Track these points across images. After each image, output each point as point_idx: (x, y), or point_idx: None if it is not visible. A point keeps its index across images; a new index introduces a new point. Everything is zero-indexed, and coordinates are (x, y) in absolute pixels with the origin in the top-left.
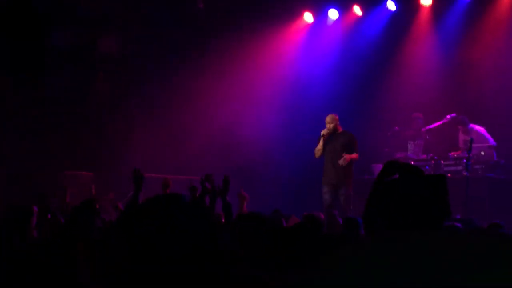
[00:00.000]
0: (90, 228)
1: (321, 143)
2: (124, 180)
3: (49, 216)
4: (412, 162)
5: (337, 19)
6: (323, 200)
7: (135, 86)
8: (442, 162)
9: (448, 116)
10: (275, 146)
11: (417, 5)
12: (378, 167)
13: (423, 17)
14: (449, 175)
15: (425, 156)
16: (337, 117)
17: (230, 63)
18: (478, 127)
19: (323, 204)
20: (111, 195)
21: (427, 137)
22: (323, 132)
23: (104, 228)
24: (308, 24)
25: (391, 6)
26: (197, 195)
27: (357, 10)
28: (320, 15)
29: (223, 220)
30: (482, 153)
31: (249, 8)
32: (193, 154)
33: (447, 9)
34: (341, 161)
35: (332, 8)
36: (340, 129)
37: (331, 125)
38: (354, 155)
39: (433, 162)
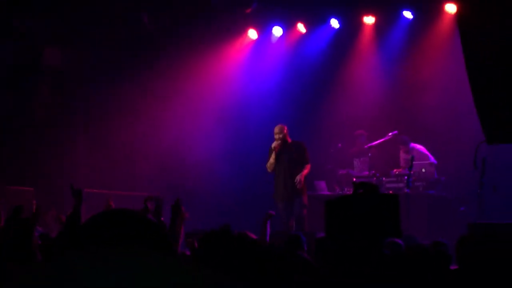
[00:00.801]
0: (27, 241)
1: (273, 157)
2: (67, 195)
3: None
4: (354, 179)
5: (281, 36)
6: (280, 217)
7: (79, 101)
8: (384, 179)
9: (390, 134)
10: (220, 163)
11: (360, 23)
12: (320, 184)
13: (366, 35)
14: (390, 191)
15: (367, 172)
16: (285, 127)
17: (175, 80)
18: (418, 146)
19: (281, 221)
20: (53, 211)
21: (369, 154)
22: (274, 145)
23: (46, 243)
24: (252, 41)
25: (335, 24)
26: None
27: (301, 27)
28: (264, 32)
29: None
30: (423, 170)
31: (193, 25)
32: (138, 171)
33: (389, 27)
34: (297, 183)
35: (276, 25)
36: (290, 140)
37: (280, 136)
38: (306, 171)
39: (375, 178)
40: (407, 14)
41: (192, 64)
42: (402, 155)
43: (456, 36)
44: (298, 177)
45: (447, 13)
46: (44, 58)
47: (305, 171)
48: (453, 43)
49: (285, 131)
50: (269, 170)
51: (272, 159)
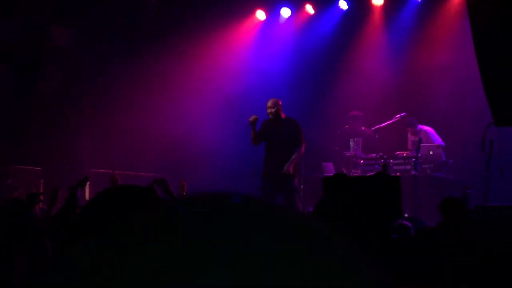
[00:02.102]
0: (24, 224)
1: (252, 132)
2: (74, 175)
3: None
4: (362, 161)
5: (289, 17)
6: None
7: (86, 81)
8: (391, 161)
9: (397, 116)
10: (226, 145)
11: (369, 5)
12: (328, 166)
13: (375, 17)
14: (398, 174)
15: (374, 154)
16: (280, 102)
17: (182, 61)
18: (426, 128)
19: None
20: (59, 192)
21: (376, 136)
22: (251, 119)
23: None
24: (260, 22)
25: (343, 5)
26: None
27: (309, 8)
28: (273, 13)
29: None
30: (431, 152)
31: (201, 6)
32: (143, 154)
33: (398, 9)
34: (285, 172)
35: (284, 6)
36: (283, 116)
37: (273, 110)
38: (297, 156)
39: (382, 161)
40: None
41: (199, 45)
42: (410, 137)
43: (466, 18)
44: (286, 167)
45: None
46: (51, 37)
47: (296, 157)
48: (462, 25)
49: (278, 105)
50: (253, 144)
51: (252, 134)
